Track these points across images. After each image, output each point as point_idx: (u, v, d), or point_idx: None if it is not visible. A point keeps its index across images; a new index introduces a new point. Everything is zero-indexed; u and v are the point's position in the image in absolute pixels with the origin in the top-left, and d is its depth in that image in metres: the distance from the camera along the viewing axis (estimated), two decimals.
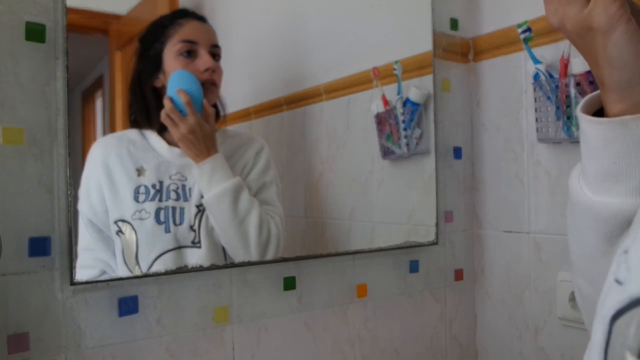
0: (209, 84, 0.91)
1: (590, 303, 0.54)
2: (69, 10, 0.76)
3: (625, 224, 0.49)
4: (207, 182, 0.89)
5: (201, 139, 0.89)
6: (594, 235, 0.51)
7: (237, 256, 0.92)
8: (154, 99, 0.89)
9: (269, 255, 0.93)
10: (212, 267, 0.88)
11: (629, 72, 0.47)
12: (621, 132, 0.48)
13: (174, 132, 0.88)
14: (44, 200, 0.75)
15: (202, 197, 0.90)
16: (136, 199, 0.85)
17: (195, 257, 0.88)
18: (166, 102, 0.87)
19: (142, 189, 0.86)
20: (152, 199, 0.86)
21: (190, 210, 0.89)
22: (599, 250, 0.52)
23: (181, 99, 0.87)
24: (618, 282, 0.39)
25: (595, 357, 0.39)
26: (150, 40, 0.90)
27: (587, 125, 0.50)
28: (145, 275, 0.84)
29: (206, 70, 0.90)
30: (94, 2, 0.87)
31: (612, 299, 0.39)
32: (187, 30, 0.90)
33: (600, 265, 0.51)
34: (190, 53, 0.90)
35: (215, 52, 0.92)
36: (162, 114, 0.87)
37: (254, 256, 0.92)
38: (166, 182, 0.88)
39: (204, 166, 0.89)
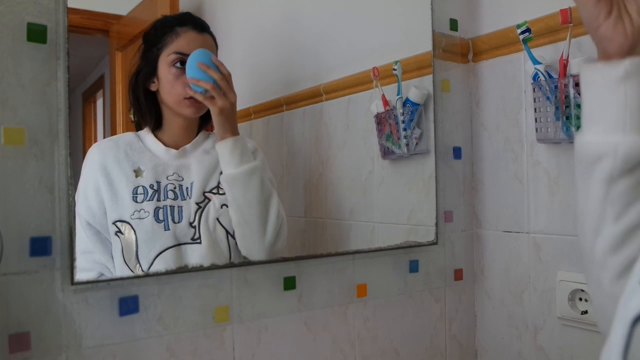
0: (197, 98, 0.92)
1: (580, 229, 0.63)
2: (70, 11, 0.76)
3: (593, 161, 0.58)
4: (240, 156, 0.91)
5: (235, 115, 0.92)
6: (576, 170, 0.62)
7: (250, 239, 0.93)
8: (147, 101, 0.91)
9: (280, 242, 0.94)
10: (213, 267, 0.88)
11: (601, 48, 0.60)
12: (593, 77, 0.58)
13: (216, 103, 0.89)
14: (44, 200, 0.75)
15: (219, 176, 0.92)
16: (134, 199, 0.86)
17: (195, 253, 0.89)
18: (214, 73, 0.89)
19: (140, 190, 0.87)
20: (151, 199, 0.87)
21: (190, 208, 0.90)
22: (579, 185, 0.61)
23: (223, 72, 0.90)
24: None
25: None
26: (151, 43, 0.91)
27: (580, 70, 0.61)
28: (146, 275, 0.84)
29: None
30: (94, 3, 0.87)
31: (635, 301, 0.39)
32: (182, 41, 0.91)
33: (579, 198, 0.62)
34: (183, 63, 0.91)
35: None
36: (207, 84, 0.89)
37: (269, 238, 0.93)
38: (163, 183, 0.89)
39: (238, 141, 0.92)
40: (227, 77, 0.91)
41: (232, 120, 0.92)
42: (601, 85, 0.57)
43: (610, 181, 0.56)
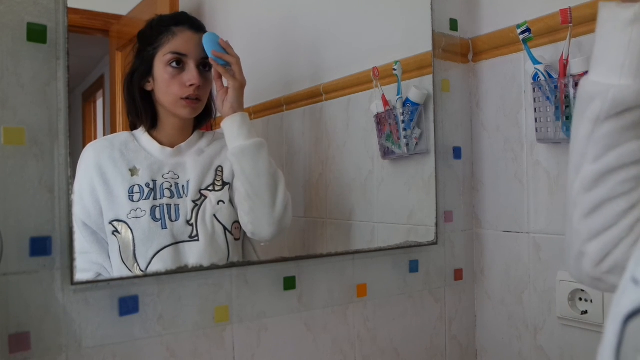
0: (193, 98, 0.92)
1: (569, 169, 0.65)
2: (70, 11, 0.76)
3: (587, 101, 0.59)
4: (248, 130, 0.94)
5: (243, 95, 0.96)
6: (575, 109, 0.63)
7: (260, 211, 0.93)
8: (142, 101, 0.91)
9: (287, 219, 0.95)
10: (213, 267, 0.89)
11: None
12: (606, 16, 0.59)
13: (236, 78, 0.94)
14: (44, 200, 0.75)
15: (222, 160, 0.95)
16: (131, 199, 0.87)
17: (193, 251, 0.89)
18: (233, 52, 0.94)
19: (136, 189, 0.87)
20: (147, 198, 0.87)
21: (186, 206, 0.90)
22: (574, 124, 0.63)
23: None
24: (635, 281, 0.39)
25: (606, 358, 0.38)
26: (146, 42, 0.91)
27: (598, 8, 0.60)
28: (146, 275, 0.84)
29: (191, 85, 0.91)
30: (94, 3, 0.87)
31: (627, 298, 0.39)
32: (178, 41, 0.91)
33: (572, 136, 0.63)
34: (179, 63, 0.91)
35: (206, 63, 0.93)
36: (229, 58, 0.93)
37: (278, 210, 0.93)
38: (159, 181, 0.89)
39: (246, 117, 0.95)
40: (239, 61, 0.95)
41: (242, 99, 0.95)
42: (611, 26, 0.58)
43: (597, 122, 0.58)
